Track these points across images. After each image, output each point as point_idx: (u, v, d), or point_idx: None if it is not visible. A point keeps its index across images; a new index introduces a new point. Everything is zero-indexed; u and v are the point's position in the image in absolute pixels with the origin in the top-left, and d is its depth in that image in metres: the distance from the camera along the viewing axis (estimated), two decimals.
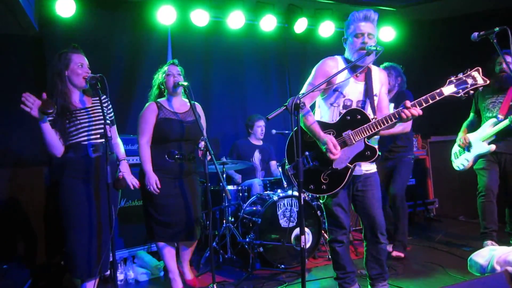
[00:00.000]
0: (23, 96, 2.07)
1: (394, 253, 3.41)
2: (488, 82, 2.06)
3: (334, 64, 2.28)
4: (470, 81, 2.02)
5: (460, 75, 2.05)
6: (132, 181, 2.51)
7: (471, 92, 2.04)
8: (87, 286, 2.30)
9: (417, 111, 2.06)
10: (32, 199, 3.73)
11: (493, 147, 3.27)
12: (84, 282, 2.30)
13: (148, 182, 2.65)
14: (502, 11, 4.63)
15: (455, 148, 3.60)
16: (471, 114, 3.61)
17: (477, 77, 2.03)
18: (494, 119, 3.27)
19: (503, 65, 3.23)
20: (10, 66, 3.80)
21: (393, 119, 2.12)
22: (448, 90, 2.04)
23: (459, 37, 3.23)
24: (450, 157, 3.64)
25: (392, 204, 3.47)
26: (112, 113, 2.50)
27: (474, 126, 3.49)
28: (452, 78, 2.05)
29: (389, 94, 3.44)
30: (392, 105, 3.44)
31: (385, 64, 3.56)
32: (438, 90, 2.06)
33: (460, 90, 2.03)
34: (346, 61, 2.30)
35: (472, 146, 3.41)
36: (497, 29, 2.47)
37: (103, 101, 2.27)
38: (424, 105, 2.07)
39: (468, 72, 2.05)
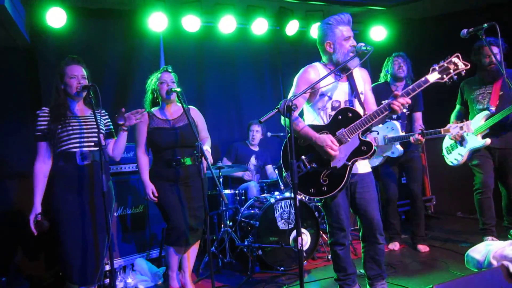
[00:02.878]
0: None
1: (422, 248, 3.47)
2: (469, 66, 2.16)
3: (315, 71, 2.31)
4: (452, 66, 2.13)
5: (442, 63, 2.15)
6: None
7: (455, 77, 2.14)
8: None
9: (406, 100, 2.12)
10: (29, 210, 3.71)
11: (488, 141, 3.22)
12: None
13: (145, 192, 2.71)
14: (491, 7, 4.67)
15: (447, 142, 3.55)
16: (458, 106, 3.56)
17: (458, 63, 2.13)
18: (487, 111, 3.22)
19: (492, 57, 3.15)
20: (2, 78, 3.79)
21: (384, 112, 2.16)
22: (433, 77, 2.14)
23: (449, 34, 3.23)
24: (442, 152, 3.60)
25: (412, 205, 3.58)
26: (111, 125, 2.55)
27: (462, 118, 3.43)
28: (435, 66, 2.15)
29: (400, 82, 3.51)
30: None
31: (398, 53, 3.57)
32: (423, 78, 2.15)
33: (444, 76, 2.13)
34: (327, 66, 2.33)
35: (465, 140, 3.35)
36: (485, 25, 2.50)
37: (104, 114, 2.41)
38: (412, 94, 2.15)
39: (449, 59, 2.15)
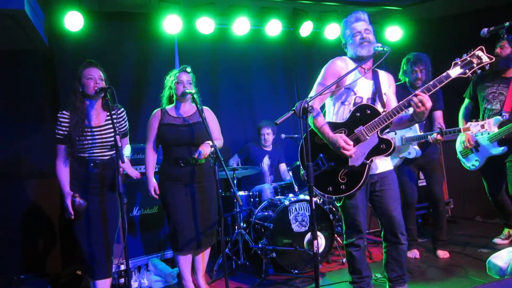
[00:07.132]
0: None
1: (441, 254, 3.37)
2: (493, 59, 2.05)
3: (344, 64, 2.27)
4: (475, 60, 2.02)
5: (465, 56, 2.04)
6: (133, 173, 2.68)
7: (479, 71, 2.03)
8: (97, 285, 2.40)
9: (425, 97, 2.02)
10: (47, 209, 3.80)
11: (505, 148, 3.08)
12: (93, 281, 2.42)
13: (148, 188, 2.76)
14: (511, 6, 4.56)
15: (460, 147, 3.40)
16: (467, 100, 3.38)
17: (482, 56, 2.01)
18: (499, 118, 3.01)
19: (497, 49, 3.02)
20: (21, 81, 3.88)
21: (403, 108, 2.10)
22: (455, 72, 2.04)
23: (467, 34, 3.14)
24: (457, 154, 3.46)
25: (434, 208, 3.45)
26: (127, 125, 2.62)
27: (470, 115, 3.28)
28: (457, 60, 2.05)
29: (418, 89, 3.33)
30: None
31: (419, 58, 3.30)
32: (444, 74, 2.05)
33: (467, 71, 2.03)
34: (352, 60, 2.31)
35: (480, 146, 3.19)
36: (507, 23, 2.42)
37: (120, 114, 2.52)
38: (433, 90, 2.05)
39: (472, 52, 2.04)
